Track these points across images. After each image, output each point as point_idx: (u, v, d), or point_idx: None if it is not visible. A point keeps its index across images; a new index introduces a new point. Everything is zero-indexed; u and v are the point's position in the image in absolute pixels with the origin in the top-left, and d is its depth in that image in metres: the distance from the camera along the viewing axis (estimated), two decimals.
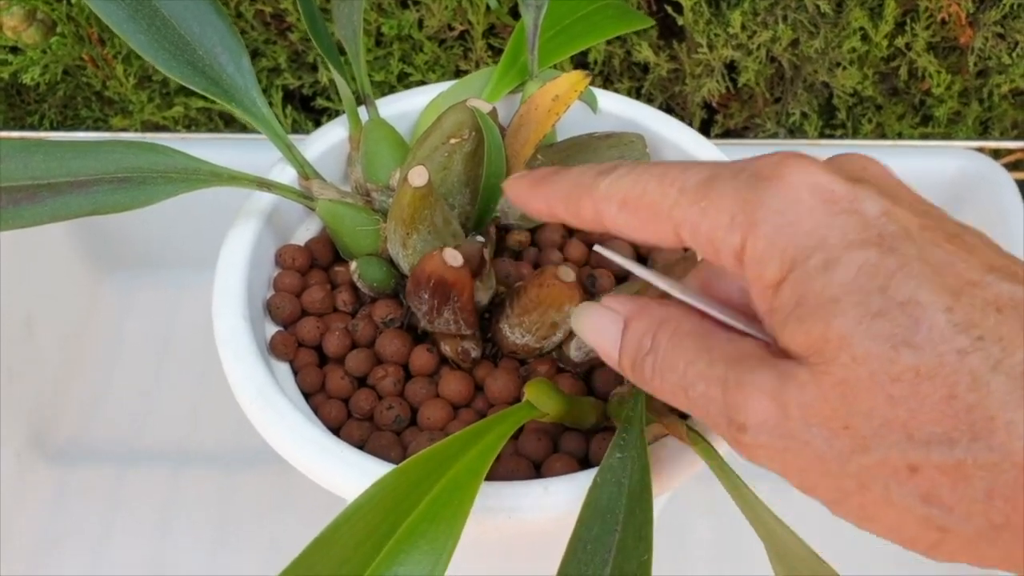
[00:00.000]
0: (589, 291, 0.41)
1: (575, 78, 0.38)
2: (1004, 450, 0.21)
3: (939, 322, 0.22)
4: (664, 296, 0.28)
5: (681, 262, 0.35)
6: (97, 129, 0.71)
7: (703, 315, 0.27)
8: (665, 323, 0.27)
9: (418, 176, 0.35)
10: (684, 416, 0.35)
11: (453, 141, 0.38)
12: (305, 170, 0.42)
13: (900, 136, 0.70)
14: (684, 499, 0.56)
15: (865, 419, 0.22)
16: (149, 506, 0.57)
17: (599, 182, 0.27)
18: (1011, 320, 0.22)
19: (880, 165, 0.26)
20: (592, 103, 0.45)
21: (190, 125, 0.70)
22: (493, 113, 0.37)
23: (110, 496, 0.58)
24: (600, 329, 0.29)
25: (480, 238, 0.37)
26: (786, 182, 0.24)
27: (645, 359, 0.27)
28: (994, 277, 0.23)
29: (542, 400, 0.33)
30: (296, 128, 0.70)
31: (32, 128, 0.71)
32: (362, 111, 0.44)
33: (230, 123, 0.71)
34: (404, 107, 0.46)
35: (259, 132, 0.40)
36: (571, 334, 0.38)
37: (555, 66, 0.46)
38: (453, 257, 0.34)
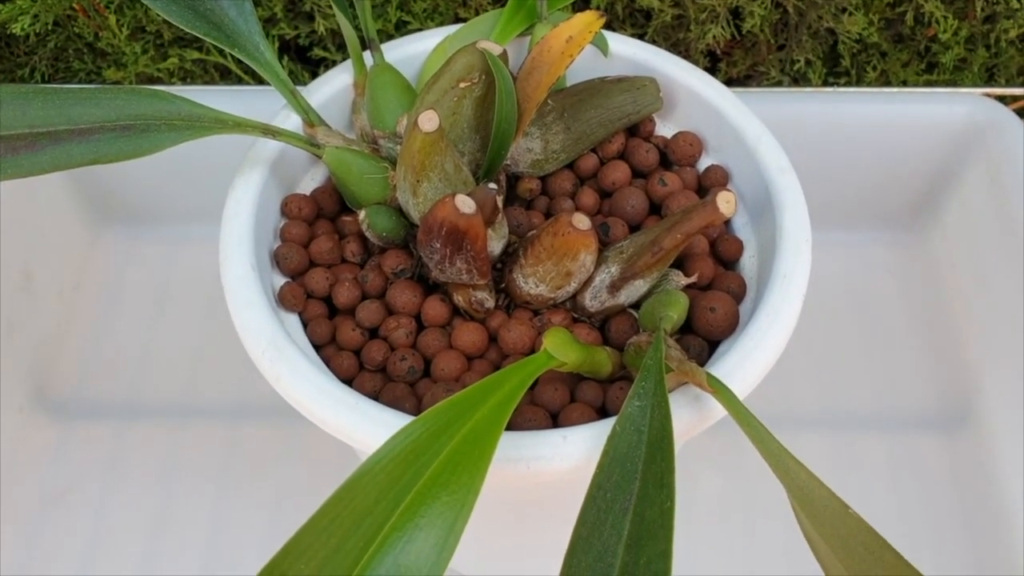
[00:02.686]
0: (602, 240, 0.40)
1: (589, 18, 0.37)
2: None
3: None
4: None
5: (699, 207, 0.34)
6: (90, 82, 0.70)
7: None
8: None
9: (428, 121, 0.34)
10: (703, 363, 0.35)
11: (463, 85, 0.37)
12: (310, 117, 0.41)
13: (904, 84, 0.70)
14: (690, 451, 0.56)
15: None
16: (153, 459, 0.57)
17: None
18: None
19: None
20: (603, 46, 0.44)
21: (185, 77, 0.69)
22: (504, 56, 0.36)
23: (113, 450, 0.57)
24: None
25: (492, 185, 0.36)
26: None
27: None
28: None
29: (561, 349, 0.33)
30: (292, 79, 0.69)
31: (22, 81, 0.70)
32: (366, 57, 0.43)
33: (225, 75, 0.69)
34: (410, 51, 0.45)
35: (257, 83, 0.39)
36: (586, 283, 0.37)
37: (561, 10, 0.45)
38: (465, 204, 0.33)
